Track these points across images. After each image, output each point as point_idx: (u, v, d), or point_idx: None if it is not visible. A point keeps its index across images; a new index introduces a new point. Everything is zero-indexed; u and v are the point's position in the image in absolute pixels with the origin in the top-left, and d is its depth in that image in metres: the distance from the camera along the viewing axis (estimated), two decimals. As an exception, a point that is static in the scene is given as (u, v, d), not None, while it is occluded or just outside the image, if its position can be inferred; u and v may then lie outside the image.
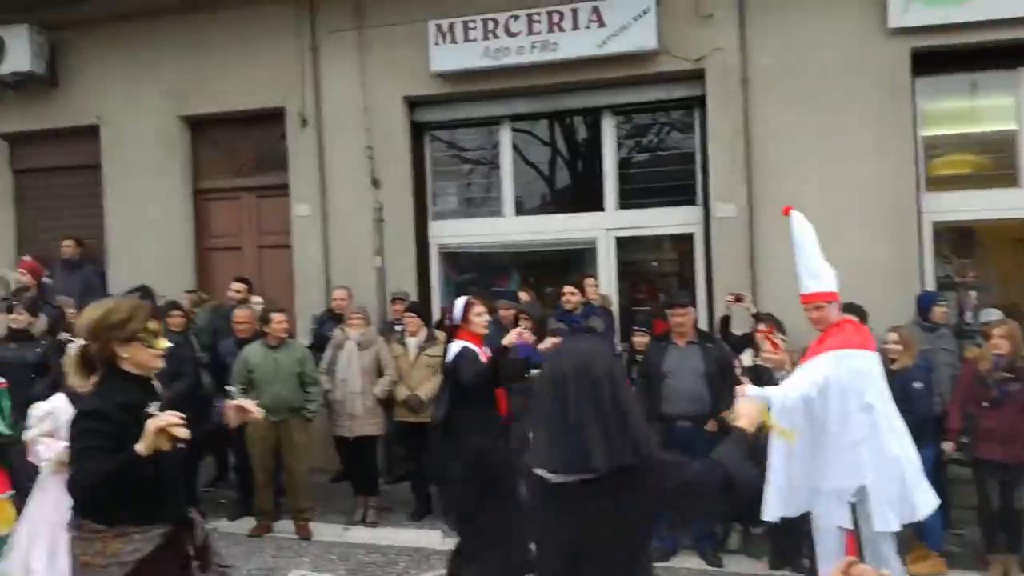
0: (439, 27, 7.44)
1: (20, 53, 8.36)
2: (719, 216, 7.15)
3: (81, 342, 2.76)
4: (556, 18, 7.19)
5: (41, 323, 6.89)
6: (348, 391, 6.44)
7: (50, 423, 4.44)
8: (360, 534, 6.34)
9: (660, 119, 7.97)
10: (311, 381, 6.44)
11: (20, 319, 6.48)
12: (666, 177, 7.72)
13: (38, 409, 4.51)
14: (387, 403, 6.73)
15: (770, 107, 7.03)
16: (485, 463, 4.57)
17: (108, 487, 2.51)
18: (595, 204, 7.82)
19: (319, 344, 7.23)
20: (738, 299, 6.40)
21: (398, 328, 7.16)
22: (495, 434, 4.73)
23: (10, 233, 9.31)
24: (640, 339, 6.45)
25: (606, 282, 7.62)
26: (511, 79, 7.51)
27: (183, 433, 2.47)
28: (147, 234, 8.53)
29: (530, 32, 7.24)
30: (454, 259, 8.50)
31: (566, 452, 2.16)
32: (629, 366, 6.47)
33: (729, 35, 7.05)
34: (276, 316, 6.39)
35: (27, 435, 4.49)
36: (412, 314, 6.80)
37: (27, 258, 8.57)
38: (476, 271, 8.61)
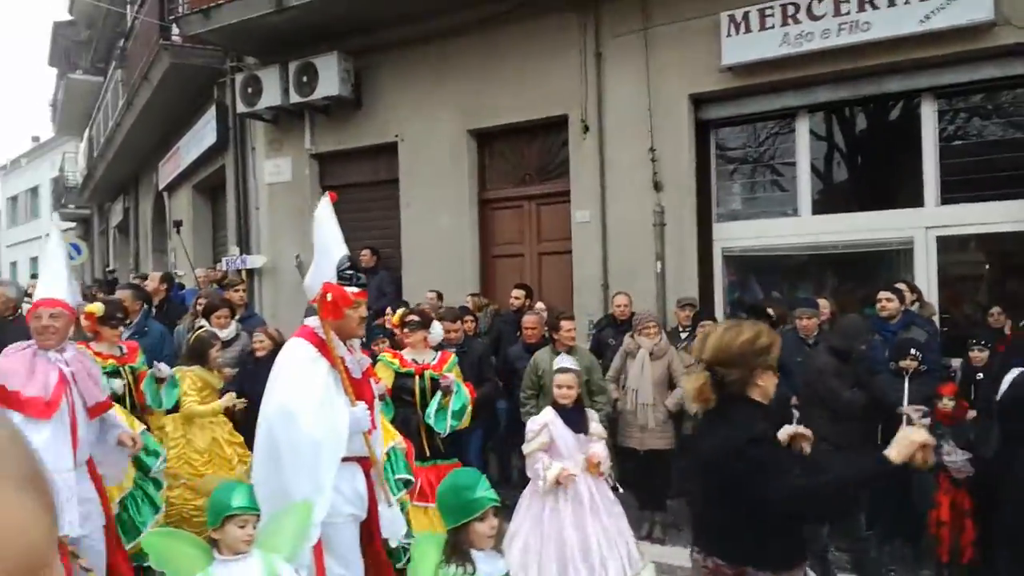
0: (732, 18, 7.01)
1: (329, 79, 9.20)
2: (1074, 209, 6.01)
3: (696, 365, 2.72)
4: (869, -5, 6.48)
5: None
6: (639, 402, 6.22)
7: (545, 436, 4.48)
8: (647, 550, 6.06)
9: (992, 100, 6.88)
10: (598, 390, 6.29)
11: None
12: (1000, 166, 6.64)
13: (535, 423, 4.56)
14: (676, 415, 6.43)
15: None
16: None
17: (827, 501, 2.42)
18: (911, 199, 6.93)
19: (597, 350, 7.14)
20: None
21: (683, 336, 6.86)
22: None
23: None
24: (979, 355, 5.56)
25: (925, 288, 6.70)
26: (812, 66, 6.88)
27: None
28: (437, 242, 9.00)
29: (837, 13, 6.56)
30: (739, 263, 7.99)
31: None
32: (965, 386, 5.61)
33: (1089, -7, 5.91)
34: (565, 324, 6.35)
35: (526, 448, 4.54)
36: (707, 322, 6.44)
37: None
38: (763, 275, 8.04)
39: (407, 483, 4.85)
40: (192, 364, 5.69)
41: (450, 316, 6.48)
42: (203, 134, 12.04)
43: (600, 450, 4.59)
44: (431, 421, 5.19)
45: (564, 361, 4.94)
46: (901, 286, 6.32)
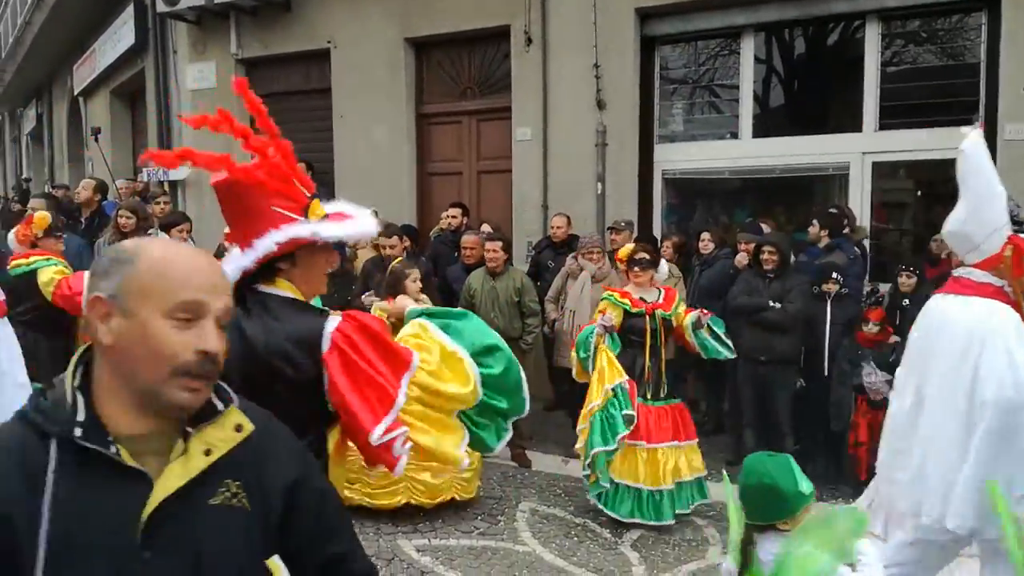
0: (682, -73, 6.74)
1: (256, -23, 8.60)
2: (1006, 138, 6.09)
3: None
4: (821, -92, 6.28)
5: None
6: (576, 323, 6.20)
7: None
8: (579, 468, 6.17)
9: (935, 25, 6.85)
10: (529, 312, 6.24)
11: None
12: (938, 93, 6.66)
13: None
14: (612, 337, 6.45)
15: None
16: None
17: None
18: (850, 124, 6.92)
19: (535, 272, 7.07)
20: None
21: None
22: None
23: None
24: (908, 281, 5.68)
25: (859, 212, 6.78)
26: (761, -18, 6.71)
27: None
28: (372, 158, 8.66)
29: (788, -73, 6.37)
30: (680, 186, 7.94)
31: None
32: (892, 311, 5.74)
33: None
34: (489, 245, 6.26)
35: None
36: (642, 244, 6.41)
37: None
38: (702, 198, 8.02)
39: (630, 419, 4.81)
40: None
41: (388, 232, 6.29)
42: (121, 35, 11.25)
43: None
44: (712, 354, 5.05)
45: None
46: (834, 211, 6.41)
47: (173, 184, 9.92)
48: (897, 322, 5.59)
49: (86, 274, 4.47)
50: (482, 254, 6.50)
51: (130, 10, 10.61)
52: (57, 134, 17.83)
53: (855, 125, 6.89)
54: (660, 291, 5.19)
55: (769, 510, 2.45)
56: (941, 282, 5.10)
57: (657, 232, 7.73)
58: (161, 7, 9.28)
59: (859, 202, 6.84)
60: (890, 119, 6.77)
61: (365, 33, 8.56)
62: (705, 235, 6.60)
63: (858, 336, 5.51)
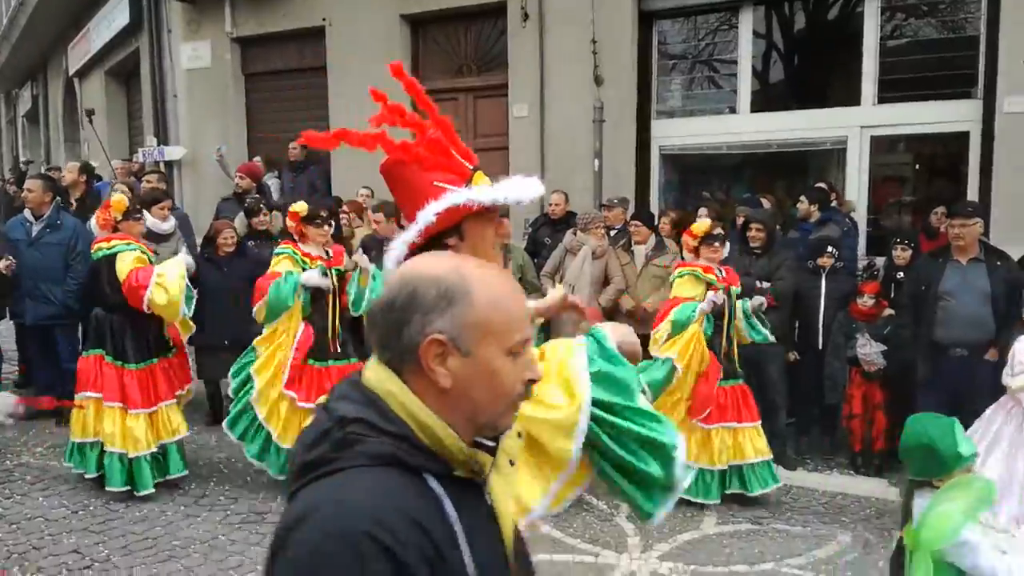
0: (678, -101, 6.67)
1: (251, -44, 8.53)
2: (1006, 111, 6.07)
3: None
4: None
5: (278, 222, 7.25)
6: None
7: None
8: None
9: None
10: (531, 288, 6.28)
11: (264, 220, 6.88)
12: (938, 66, 6.62)
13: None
14: (608, 312, 6.46)
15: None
16: None
17: None
18: (848, 98, 6.88)
19: (532, 249, 7.07)
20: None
21: (612, 234, 6.82)
22: None
23: (243, 135, 9.79)
24: (903, 254, 5.67)
25: (856, 187, 6.77)
26: (759, -46, 6.66)
27: None
28: (368, 136, 8.61)
29: (786, -102, 6.31)
30: (677, 161, 7.91)
31: None
32: (886, 284, 5.75)
33: None
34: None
35: (1015, 382, 4.04)
36: (639, 222, 6.41)
37: (256, 159, 9.04)
38: (700, 174, 8.00)
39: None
40: None
41: (387, 211, 6.29)
42: (115, 14, 11.18)
43: None
44: (760, 339, 5.01)
45: None
46: (820, 185, 6.41)
47: (169, 164, 9.89)
48: (891, 295, 5.60)
49: (156, 268, 4.43)
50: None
51: (124, -12, 10.53)
52: (53, 115, 17.76)
53: (854, 99, 6.84)
54: (722, 270, 5.10)
55: (926, 468, 2.58)
56: (938, 255, 5.15)
57: (655, 207, 7.71)
58: (155, -16, 9.23)
59: (856, 176, 6.82)
60: (889, 92, 6.73)
61: (360, 10, 8.49)
62: (702, 211, 6.57)
63: (852, 309, 5.52)
